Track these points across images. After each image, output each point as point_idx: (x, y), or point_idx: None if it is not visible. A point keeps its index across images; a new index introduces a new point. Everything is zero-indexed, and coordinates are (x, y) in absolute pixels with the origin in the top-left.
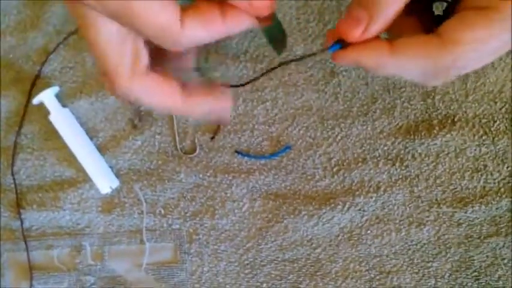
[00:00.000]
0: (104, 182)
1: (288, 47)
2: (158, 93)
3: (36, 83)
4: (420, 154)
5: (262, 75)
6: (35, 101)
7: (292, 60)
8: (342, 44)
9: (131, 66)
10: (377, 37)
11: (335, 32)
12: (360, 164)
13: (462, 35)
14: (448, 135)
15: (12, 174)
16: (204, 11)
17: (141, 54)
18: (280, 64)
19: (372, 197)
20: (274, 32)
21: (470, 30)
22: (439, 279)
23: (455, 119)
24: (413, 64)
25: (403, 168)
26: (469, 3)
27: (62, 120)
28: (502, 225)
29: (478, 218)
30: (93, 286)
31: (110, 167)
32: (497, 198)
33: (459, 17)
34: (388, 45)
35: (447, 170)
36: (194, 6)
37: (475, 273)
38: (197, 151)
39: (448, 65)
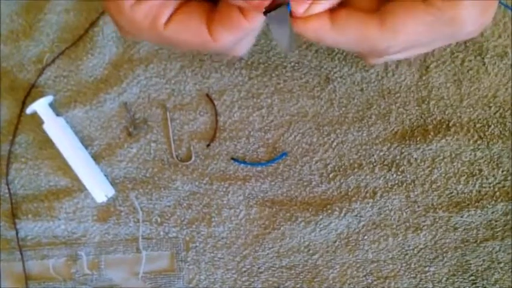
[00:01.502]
0: (100, 190)
1: (293, 48)
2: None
3: (30, 93)
4: (416, 159)
5: None
6: (29, 110)
7: None
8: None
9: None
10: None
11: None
12: (356, 169)
13: (403, 24)
14: (443, 140)
15: (7, 184)
16: (227, 15)
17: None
18: None
19: (368, 203)
20: (279, 28)
21: (412, 21)
22: (436, 284)
23: (450, 124)
24: (350, 41)
25: (399, 173)
26: None
27: (56, 129)
28: (498, 229)
29: (474, 222)
30: None
31: (105, 175)
32: (493, 202)
33: (404, 4)
34: (330, 18)
35: (443, 175)
36: (218, 12)
37: (472, 277)
38: (193, 158)
39: (383, 49)
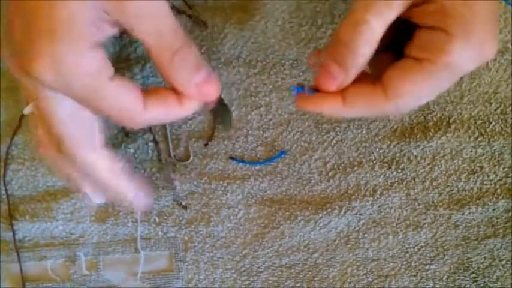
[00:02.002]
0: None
1: (233, 126)
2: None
3: None
4: (416, 157)
5: None
6: (26, 110)
7: None
8: (303, 88)
9: (90, 142)
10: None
11: (313, 82)
12: (355, 167)
13: (402, 87)
14: (444, 137)
15: (5, 185)
16: (164, 95)
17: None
18: None
19: (368, 201)
20: (221, 113)
21: (410, 82)
22: (437, 282)
23: (451, 121)
24: (362, 112)
25: (399, 171)
26: (407, 51)
27: None
28: (499, 226)
29: (475, 220)
30: None
31: None
32: (494, 199)
33: (399, 67)
34: (341, 97)
35: (443, 172)
36: (154, 90)
37: (473, 275)
38: (191, 158)
39: (392, 111)
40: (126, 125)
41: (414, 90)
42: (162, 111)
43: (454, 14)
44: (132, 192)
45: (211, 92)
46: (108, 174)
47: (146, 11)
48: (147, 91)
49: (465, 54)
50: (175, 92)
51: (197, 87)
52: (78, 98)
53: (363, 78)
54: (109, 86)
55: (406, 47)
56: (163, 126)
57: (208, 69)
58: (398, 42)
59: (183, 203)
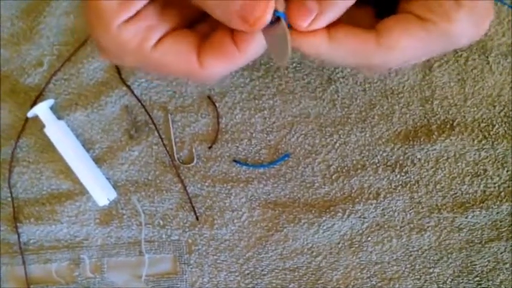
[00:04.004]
0: (102, 194)
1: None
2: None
3: (30, 95)
4: (420, 160)
5: None
6: (30, 114)
7: None
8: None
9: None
10: None
11: (287, 17)
12: (359, 170)
13: (398, 40)
14: (447, 140)
15: (10, 188)
16: (219, 43)
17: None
18: None
19: (372, 204)
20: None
21: (407, 37)
22: (441, 285)
23: (454, 124)
24: (347, 57)
25: (402, 174)
26: (410, 8)
27: (58, 132)
28: (503, 230)
29: (479, 223)
30: None
31: (107, 178)
32: (498, 202)
33: (399, 20)
34: (327, 34)
35: (447, 175)
36: (210, 41)
37: (477, 278)
38: (195, 161)
39: (379, 64)
40: (196, 83)
41: (408, 46)
42: (220, 63)
43: None
44: None
45: (260, 14)
46: None
47: None
48: (204, 44)
49: (466, 26)
50: (233, 36)
51: (242, 13)
52: (136, 69)
53: (354, 21)
54: (153, 55)
55: (406, 3)
56: (168, 129)
57: None
58: None
59: None
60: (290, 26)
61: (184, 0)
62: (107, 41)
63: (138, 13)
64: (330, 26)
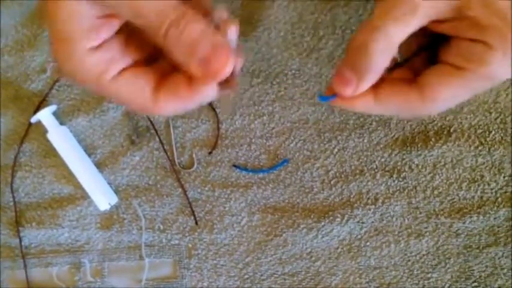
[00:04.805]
0: (103, 198)
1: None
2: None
3: (34, 101)
4: (417, 165)
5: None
6: (33, 119)
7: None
8: (326, 97)
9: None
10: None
11: (330, 86)
12: (357, 176)
13: (440, 92)
14: (445, 147)
15: (12, 192)
16: (175, 82)
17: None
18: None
19: (370, 209)
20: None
21: (448, 88)
22: None
23: (451, 130)
24: (395, 111)
25: (400, 179)
26: (447, 58)
27: (60, 138)
28: (500, 235)
29: (477, 228)
30: None
31: (109, 183)
32: (495, 208)
33: (439, 73)
34: (373, 95)
35: (444, 181)
36: (166, 81)
37: (475, 284)
38: (195, 166)
39: (424, 112)
40: (142, 114)
41: (451, 95)
42: (173, 104)
43: (490, 27)
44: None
45: (220, 67)
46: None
47: None
48: (160, 82)
49: (504, 64)
50: (188, 77)
51: (201, 63)
52: (92, 92)
53: (395, 76)
54: (111, 86)
55: (442, 53)
56: (168, 134)
57: (217, 39)
58: (432, 45)
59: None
60: (327, 99)
61: (147, 37)
62: (70, 65)
63: (102, 43)
64: (375, 86)
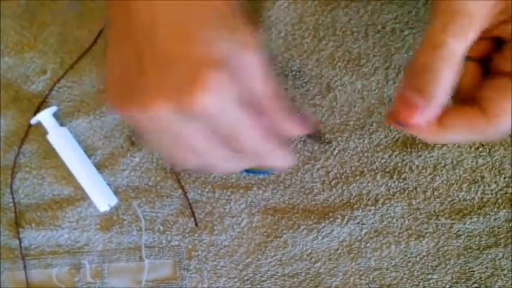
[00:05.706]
0: (103, 199)
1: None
2: None
3: (34, 102)
4: (417, 166)
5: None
6: (33, 121)
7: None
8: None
9: None
10: None
11: (393, 114)
12: (357, 177)
13: (503, 107)
14: (445, 148)
15: (12, 193)
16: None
17: None
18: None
19: (370, 210)
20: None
21: (509, 100)
22: None
23: None
24: (462, 137)
25: (400, 180)
26: (503, 67)
27: (60, 139)
28: (500, 236)
29: (477, 229)
30: None
31: (108, 184)
32: (495, 209)
33: (497, 87)
34: (437, 122)
35: (445, 182)
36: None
37: (475, 285)
38: None
39: (493, 132)
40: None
41: None
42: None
43: None
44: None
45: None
46: None
47: None
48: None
49: None
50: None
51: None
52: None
53: (457, 98)
54: None
55: (497, 62)
56: None
57: None
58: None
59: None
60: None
61: None
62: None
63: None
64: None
